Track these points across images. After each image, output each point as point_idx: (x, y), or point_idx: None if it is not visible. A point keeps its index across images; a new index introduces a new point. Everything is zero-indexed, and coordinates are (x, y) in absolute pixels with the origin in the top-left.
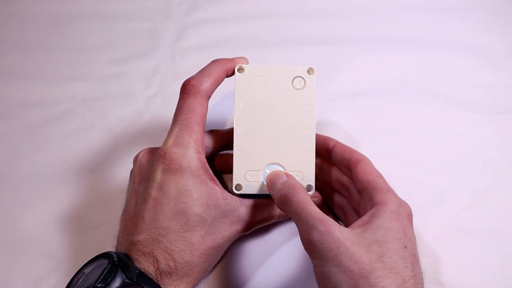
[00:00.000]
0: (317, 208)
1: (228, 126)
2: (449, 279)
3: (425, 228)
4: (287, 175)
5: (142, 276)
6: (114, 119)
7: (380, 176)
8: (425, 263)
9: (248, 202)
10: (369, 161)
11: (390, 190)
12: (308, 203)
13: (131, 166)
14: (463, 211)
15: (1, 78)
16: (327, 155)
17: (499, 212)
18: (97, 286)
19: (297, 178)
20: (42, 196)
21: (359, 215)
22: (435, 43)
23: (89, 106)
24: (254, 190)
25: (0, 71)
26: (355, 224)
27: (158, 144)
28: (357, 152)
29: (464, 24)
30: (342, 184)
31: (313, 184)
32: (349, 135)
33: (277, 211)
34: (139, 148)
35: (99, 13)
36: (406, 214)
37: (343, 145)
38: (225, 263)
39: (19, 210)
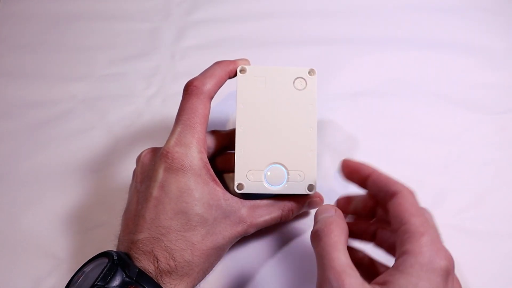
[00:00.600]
0: (344, 255)
1: (230, 127)
2: None
3: None
4: (336, 210)
5: (142, 275)
6: (114, 119)
7: (419, 214)
8: None
9: (249, 203)
10: (410, 193)
11: (425, 233)
12: (336, 248)
13: (131, 166)
14: (463, 211)
15: (1, 78)
16: (363, 184)
17: (499, 212)
18: (96, 284)
19: (298, 178)
20: (42, 196)
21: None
22: (435, 43)
23: (89, 106)
24: (255, 190)
25: (0, 71)
26: (379, 279)
27: (158, 144)
28: (395, 183)
29: (464, 24)
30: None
31: (314, 184)
32: (349, 135)
33: (278, 213)
34: (139, 148)
35: (99, 13)
36: (441, 270)
37: (379, 174)
38: (225, 264)
39: (19, 210)
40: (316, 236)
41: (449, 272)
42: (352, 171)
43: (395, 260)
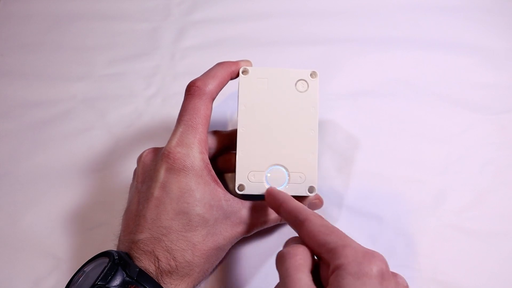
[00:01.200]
0: (307, 277)
1: (230, 127)
2: (449, 279)
3: (425, 228)
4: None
5: (143, 274)
6: (114, 119)
7: (331, 231)
8: (425, 263)
9: (250, 204)
10: (317, 217)
11: (346, 245)
12: (299, 270)
13: (132, 166)
14: (463, 211)
15: (1, 78)
16: (278, 213)
17: (499, 212)
18: (97, 284)
19: (299, 180)
20: (42, 196)
21: None
22: (435, 43)
23: (89, 106)
24: (256, 191)
25: (0, 71)
26: None
27: (158, 144)
28: (301, 211)
29: (464, 24)
30: None
31: (315, 185)
32: (349, 134)
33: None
34: (139, 148)
35: (99, 13)
36: (374, 272)
37: (288, 204)
38: (226, 264)
39: (19, 210)
40: (281, 257)
41: (383, 271)
42: (270, 199)
43: (329, 280)
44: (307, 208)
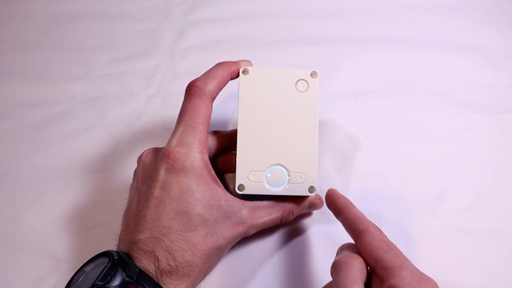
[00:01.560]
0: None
1: (231, 127)
2: (449, 279)
3: (425, 228)
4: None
5: (142, 274)
6: (114, 119)
7: (390, 248)
8: (425, 263)
9: (250, 204)
10: (376, 230)
11: (404, 266)
12: (354, 282)
13: (132, 166)
14: (463, 211)
15: (1, 78)
16: (337, 217)
17: (499, 212)
18: (97, 284)
19: (299, 180)
20: (42, 196)
21: None
22: (435, 43)
23: (89, 106)
24: (256, 191)
25: (0, 71)
26: None
27: (158, 144)
28: (362, 221)
29: (464, 24)
30: None
31: (315, 185)
32: (349, 134)
33: (279, 214)
34: (139, 148)
35: (99, 13)
36: None
37: (349, 211)
38: (225, 264)
39: (19, 210)
40: (338, 266)
41: None
42: (330, 203)
43: None
44: (367, 218)
